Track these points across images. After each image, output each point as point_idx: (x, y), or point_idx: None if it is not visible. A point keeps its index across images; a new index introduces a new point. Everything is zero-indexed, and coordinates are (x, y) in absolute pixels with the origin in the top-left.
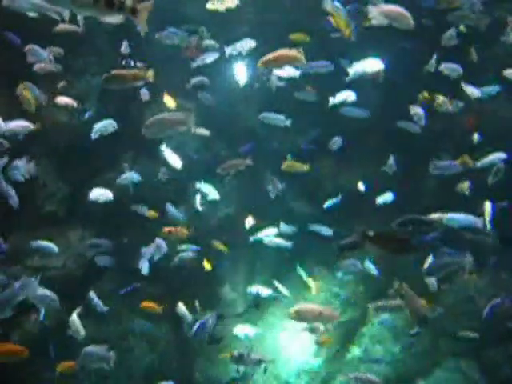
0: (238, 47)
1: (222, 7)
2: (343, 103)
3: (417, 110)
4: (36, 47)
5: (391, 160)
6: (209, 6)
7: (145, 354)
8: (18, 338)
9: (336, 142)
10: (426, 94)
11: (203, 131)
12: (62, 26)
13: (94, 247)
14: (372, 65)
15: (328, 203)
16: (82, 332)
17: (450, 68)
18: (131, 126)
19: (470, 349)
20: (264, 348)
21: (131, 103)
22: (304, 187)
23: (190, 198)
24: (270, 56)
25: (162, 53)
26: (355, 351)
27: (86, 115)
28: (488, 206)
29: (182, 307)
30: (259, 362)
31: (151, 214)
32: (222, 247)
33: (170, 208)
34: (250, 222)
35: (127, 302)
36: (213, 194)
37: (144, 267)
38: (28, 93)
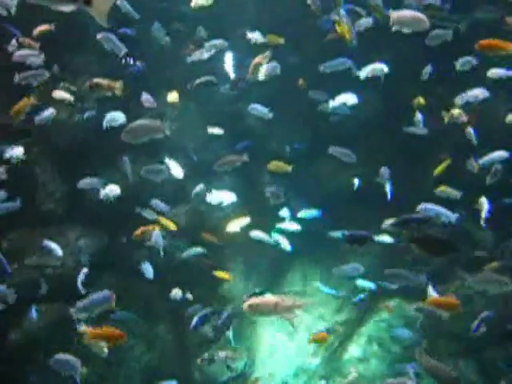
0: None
1: (206, 2)
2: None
3: (418, 118)
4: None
5: (385, 172)
6: (193, 4)
7: (143, 354)
8: (18, 337)
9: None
10: (421, 99)
11: (217, 130)
12: (38, 29)
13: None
14: (379, 68)
15: (305, 214)
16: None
17: (463, 62)
18: None
19: (469, 349)
20: (262, 348)
21: (131, 102)
22: (304, 186)
23: (189, 198)
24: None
25: (161, 51)
26: (353, 351)
27: (86, 115)
28: (484, 202)
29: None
30: (225, 359)
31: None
32: (212, 238)
33: (160, 204)
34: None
35: (125, 302)
36: (228, 197)
37: (148, 271)
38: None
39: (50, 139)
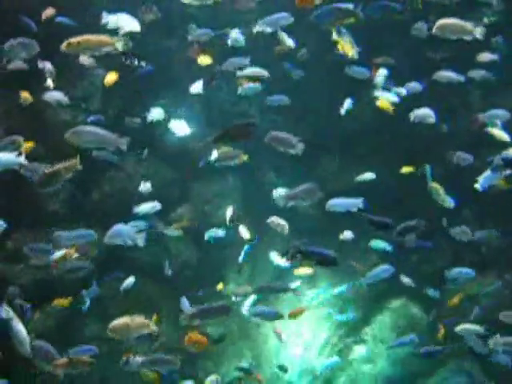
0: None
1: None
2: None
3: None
4: None
5: None
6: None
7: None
8: None
9: None
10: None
11: None
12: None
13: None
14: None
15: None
16: None
17: None
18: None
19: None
20: (267, 348)
21: (135, 103)
22: None
23: (193, 198)
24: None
25: (163, 52)
26: (358, 351)
27: (89, 119)
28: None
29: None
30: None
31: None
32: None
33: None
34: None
35: (129, 302)
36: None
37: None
38: None
39: (53, 139)
